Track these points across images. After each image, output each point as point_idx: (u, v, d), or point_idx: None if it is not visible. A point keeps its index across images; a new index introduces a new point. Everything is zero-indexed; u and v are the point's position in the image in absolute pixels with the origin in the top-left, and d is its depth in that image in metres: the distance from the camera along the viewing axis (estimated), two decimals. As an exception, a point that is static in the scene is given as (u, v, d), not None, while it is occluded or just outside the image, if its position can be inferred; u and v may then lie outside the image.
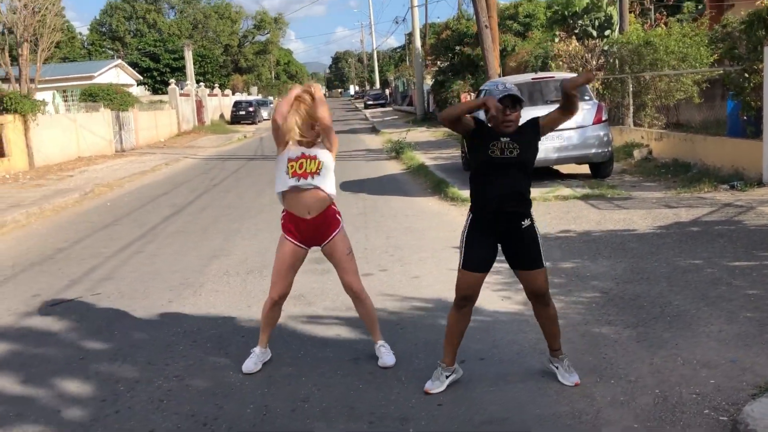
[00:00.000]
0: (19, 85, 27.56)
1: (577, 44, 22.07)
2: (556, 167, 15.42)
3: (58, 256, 10.77)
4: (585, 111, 13.79)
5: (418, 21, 45.19)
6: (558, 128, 13.14)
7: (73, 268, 9.89)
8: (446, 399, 5.04)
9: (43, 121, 24.62)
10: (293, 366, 5.81)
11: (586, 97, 14.23)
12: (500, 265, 7.73)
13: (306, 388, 5.36)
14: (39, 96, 27.37)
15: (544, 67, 23.16)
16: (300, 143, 5.55)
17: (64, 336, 7.00)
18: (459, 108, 4.87)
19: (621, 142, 17.53)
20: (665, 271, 7.76)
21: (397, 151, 23.12)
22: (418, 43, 44.49)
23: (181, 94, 44.86)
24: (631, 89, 18.32)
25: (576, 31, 25.04)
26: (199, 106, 49.33)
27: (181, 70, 58.84)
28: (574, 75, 15.65)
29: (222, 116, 57.79)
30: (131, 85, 49.79)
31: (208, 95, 54.66)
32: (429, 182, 15.97)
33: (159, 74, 67.00)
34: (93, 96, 32.79)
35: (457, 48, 37.78)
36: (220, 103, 59.96)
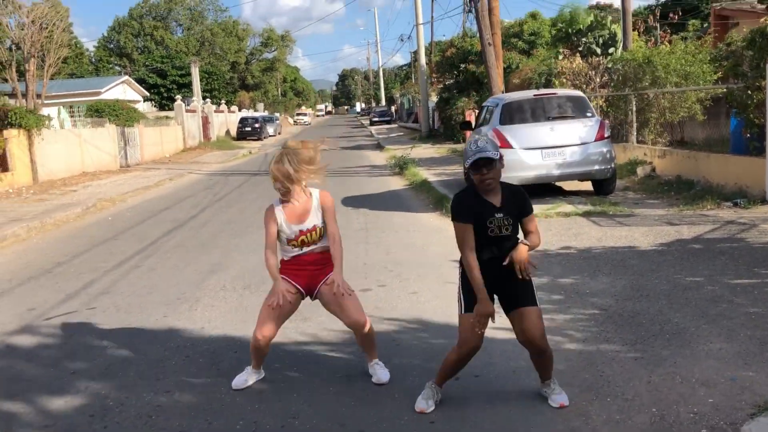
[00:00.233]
0: (26, 100, 27.60)
1: (580, 61, 22.07)
2: (558, 184, 15.35)
3: (56, 270, 10.73)
4: (587, 127, 13.76)
5: (423, 38, 45.30)
6: (560, 144, 13.27)
7: (71, 282, 9.84)
8: (439, 416, 4.95)
9: (47, 136, 24.66)
10: (285, 382, 5.73)
11: (588, 114, 14.18)
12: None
13: (297, 405, 5.28)
14: (45, 111, 27.43)
15: (548, 84, 23.18)
16: (291, 215, 5.48)
17: (56, 350, 6.93)
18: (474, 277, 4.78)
19: (624, 159, 17.46)
20: (665, 288, 7.67)
21: (400, 166, 23.10)
22: (423, 60, 44.58)
23: (187, 110, 44.92)
24: (634, 107, 18.26)
25: (580, 48, 25.07)
26: (205, 122, 49.40)
27: (188, 86, 59.02)
28: (576, 92, 15.61)
29: (228, 132, 57.89)
30: (138, 102, 49.96)
31: (215, 111, 54.76)
32: (431, 198, 15.90)
33: (166, 90, 67.23)
34: (99, 111, 32.88)
35: (462, 66, 37.85)
36: (227, 120, 60.07)
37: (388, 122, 77.42)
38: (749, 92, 12.82)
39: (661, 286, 7.74)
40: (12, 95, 28.50)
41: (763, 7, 15.49)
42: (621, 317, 6.80)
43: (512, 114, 14.26)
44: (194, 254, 11.35)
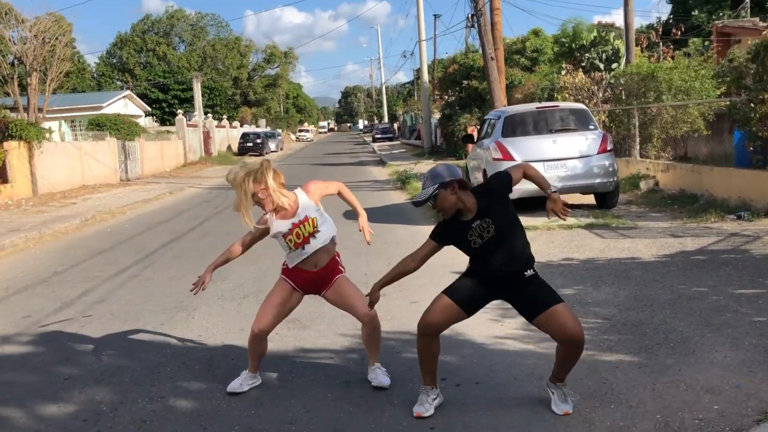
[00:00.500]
0: (27, 114, 27.58)
1: (583, 77, 22.02)
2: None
3: (53, 279, 10.63)
4: (590, 140, 13.69)
5: (425, 54, 45.34)
6: (562, 157, 13.19)
7: (67, 290, 9.75)
8: (438, 422, 4.85)
9: (48, 149, 24.60)
10: (282, 388, 5.63)
11: (591, 127, 14.12)
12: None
13: (294, 411, 5.18)
14: (46, 125, 27.40)
15: (550, 99, 23.10)
16: (277, 213, 5.42)
17: (50, 356, 6.84)
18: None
19: (627, 173, 17.39)
20: (669, 298, 7.57)
21: (402, 181, 23.02)
22: (425, 76, 44.62)
23: (188, 125, 44.89)
24: (637, 121, 18.20)
25: (583, 64, 25.03)
26: (207, 137, 49.38)
27: (190, 101, 59.10)
28: (579, 105, 15.56)
29: (229, 148, 57.88)
30: (139, 117, 49.98)
31: (216, 126, 54.77)
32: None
33: (167, 105, 67.34)
34: (100, 125, 32.85)
35: (465, 82, 37.80)
36: (228, 135, 60.07)
37: (390, 139, 77.43)
38: (752, 105, 12.74)
39: (664, 296, 7.64)
40: (14, 109, 28.46)
41: (766, 24, 15.45)
42: (624, 326, 6.71)
43: (514, 126, 14.19)
44: (192, 265, 11.24)
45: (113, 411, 5.32)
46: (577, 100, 20.91)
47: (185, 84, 65.96)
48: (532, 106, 15.43)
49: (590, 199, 14.72)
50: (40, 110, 28.78)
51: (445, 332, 5.19)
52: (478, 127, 30.19)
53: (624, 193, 15.70)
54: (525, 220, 5.84)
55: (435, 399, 5.03)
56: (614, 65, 24.66)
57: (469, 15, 25.13)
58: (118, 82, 79.52)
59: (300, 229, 5.36)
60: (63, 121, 35.52)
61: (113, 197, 23.05)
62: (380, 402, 5.25)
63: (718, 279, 8.22)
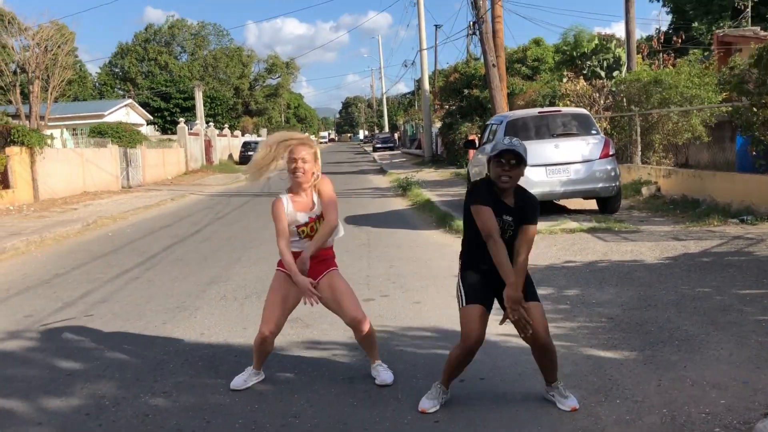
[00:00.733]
0: (29, 121, 27.61)
1: (584, 84, 22.02)
2: (562, 203, 15.25)
3: (54, 281, 10.60)
4: (592, 145, 13.67)
5: (426, 63, 45.38)
6: (564, 162, 13.16)
7: (68, 291, 9.73)
8: (443, 416, 4.82)
9: (49, 155, 24.61)
10: (285, 384, 5.60)
11: (593, 131, 14.10)
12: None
13: (297, 405, 5.15)
14: (48, 133, 27.41)
15: (552, 106, 23.10)
16: (298, 205, 5.40)
17: (52, 354, 6.81)
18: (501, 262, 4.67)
19: (629, 179, 17.36)
20: (673, 298, 7.53)
21: (404, 188, 23.02)
22: (426, 84, 44.67)
23: (190, 133, 44.92)
24: (638, 127, 18.19)
25: (584, 71, 25.04)
26: (208, 146, 49.40)
27: (191, 110, 59.12)
28: (581, 110, 15.54)
29: (231, 156, 57.87)
30: (141, 125, 50.00)
31: (217, 135, 54.79)
32: (434, 216, 15.79)
33: (169, 114, 67.29)
34: (102, 133, 32.86)
35: (466, 91, 37.79)
36: (229, 144, 60.08)
37: (391, 149, 77.41)
38: (755, 110, 12.75)
39: (668, 297, 7.61)
40: (15, 116, 28.50)
41: (767, 33, 15.46)
42: (629, 325, 6.67)
43: (516, 131, 14.15)
44: (194, 267, 11.23)
45: (115, 405, 5.29)
46: (578, 107, 20.93)
47: (187, 93, 66.01)
48: (534, 111, 15.43)
49: (592, 204, 14.70)
50: (42, 118, 28.81)
51: (451, 333, 5.17)
52: (479, 134, 30.24)
53: (626, 198, 15.67)
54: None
55: (444, 398, 5.00)
56: (615, 73, 24.67)
57: (471, 22, 25.08)
58: (120, 92, 79.58)
59: (315, 224, 5.38)
60: (64, 129, 35.53)
61: (115, 203, 23.04)
62: (384, 397, 5.22)
63: (722, 280, 8.18)
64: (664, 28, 44.83)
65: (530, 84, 34.26)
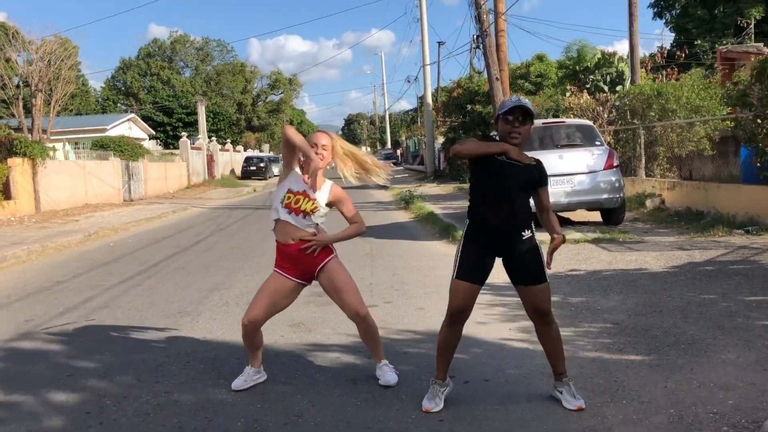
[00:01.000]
0: (31, 134, 27.66)
1: (588, 98, 22.02)
2: (566, 215, 15.20)
3: (55, 288, 10.56)
4: (596, 156, 13.64)
5: (429, 78, 45.40)
6: (568, 172, 13.12)
7: (70, 298, 9.68)
8: (448, 415, 4.77)
9: (51, 166, 24.62)
10: (288, 385, 5.54)
11: (597, 143, 14.07)
12: (509, 299, 7.53)
13: (300, 405, 5.09)
14: (50, 146, 27.45)
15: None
16: (303, 179, 5.38)
17: (53, 355, 6.76)
18: (479, 150, 4.81)
19: (633, 192, 17.32)
20: (679, 304, 7.49)
21: (406, 201, 22.98)
22: (429, 99, 44.73)
23: (192, 148, 44.99)
24: (642, 139, 18.17)
25: (587, 85, 25.04)
26: (210, 161, 49.45)
27: (194, 125, 59.20)
28: (585, 121, 15.53)
29: (233, 171, 57.92)
30: (143, 140, 50.03)
31: (220, 150, 54.83)
32: (437, 228, 15.75)
33: (171, 129, 67.30)
34: (104, 147, 32.89)
35: (469, 106, 37.80)
36: (232, 159, 60.12)
37: (393, 164, 77.45)
38: (759, 121, 12.72)
39: (674, 303, 7.56)
40: (18, 130, 28.54)
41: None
42: (634, 330, 6.62)
43: (520, 142, 14.11)
44: (196, 275, 11.18)
45: (117, 404, 5.23)
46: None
47: (189, 108, 66.10)
48: (538, 122, 15.39)
49: (596, 216, 14.66)
50: (44, 132, 28.87)
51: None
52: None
53: (630, 211, 15.64)
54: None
55: (445, 391, 4.96)
56: (618, 87, 24.66)
57: (474, 36, 25.08)
58: (123, 106, 79.73)
59: (302, 199, 5.32)
60: (66, 143, 35.54)
61: (116, 215, 23.00)
62: (387, 397, 5.17)
63: (728, 287, 8.14)
64: (667, 46, 44.83)
65: (533, 98, 34.27)
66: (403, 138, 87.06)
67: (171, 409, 5.11)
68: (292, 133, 5.21)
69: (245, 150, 71.95)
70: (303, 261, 5.38)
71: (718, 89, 18.34)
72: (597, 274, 9.49)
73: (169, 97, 72.98)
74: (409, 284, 9.58)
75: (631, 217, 15.27)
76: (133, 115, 56.44)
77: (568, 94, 24.42)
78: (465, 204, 4.88)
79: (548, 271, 4.92)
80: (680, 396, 4.85)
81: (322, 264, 5.41)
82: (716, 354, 5.74)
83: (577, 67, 25.78)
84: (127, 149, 33.12)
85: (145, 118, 62.63)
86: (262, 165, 56.92)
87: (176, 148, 47.81)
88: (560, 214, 15.28)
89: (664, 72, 27.89)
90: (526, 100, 4.85)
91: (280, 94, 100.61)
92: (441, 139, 44.72)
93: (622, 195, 13.72)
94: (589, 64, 25.34)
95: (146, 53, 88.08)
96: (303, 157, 5.28)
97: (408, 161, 75.93)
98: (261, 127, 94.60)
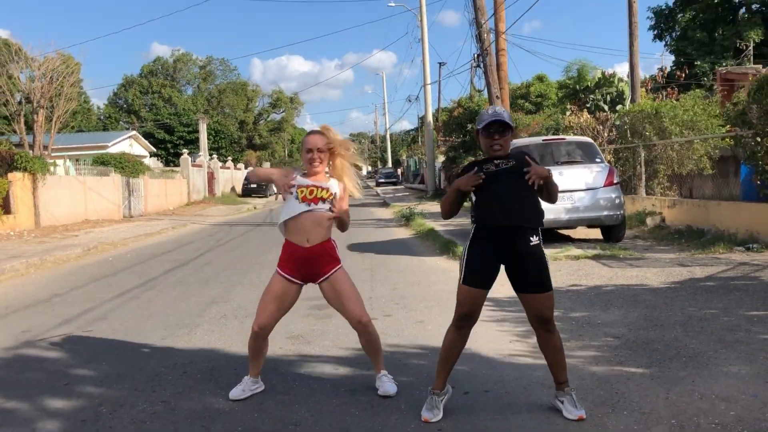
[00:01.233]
0: (32, 151, 27.68)
1: (588, 117, 22.04)
2: (566, 232, 15.17)
3: (53, 300, 10.52)
4: (596, 173, 13.62)
5: (430, 97, 45.47)
6: (569, 189, 13.09)
7: (68, 309, 9.63)
8: (447, 424, 4.72)
9: (52, 182, 24.61)
10: (286, 394, 5.50)
11: (598, 159, 14.05)
12: (510, 313, 7.48)
13: (299, 414, 5.05)
14: (50, 162, 27.48)
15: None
16: (307, 176, 5.45)
17: (50, 364, 6.72)
18: (448, 199, 4.98)
19: (633, 210, 17.30)
20: (680, 319, 7.44)
21: (406, 218, 22.96)
22: (430, 117, 44.78)
23: (193, 165, 45.02)
24: (642, 158, 18.17)
25: (588, 105, 25.07)
26: (211, 178, 49.47)
27: (195, 142, 59.31)
28: (586, 138, 15.55)
29: (233, 189, 57.90)
30: (144, 157, 50.10)
31: (221, 168, 54.87)
32: (437, 244, 15.71)
33: (173, 146, 67.48)
34: (105, 164, 32.92)
35: (469, 126, 37.79)
36: (232, 176, 60.12)
37: (394, 183, 77.54)
38: (758, 139, 12.71)
39: (675, 317, 7.52)
40: (19, 146, 28.59)
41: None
42: (635, 344, 6.58)
43: (520, 159, 14.10)
44: (195, 289, 11.13)
45: (113, 412, 5.19)
46: (582, 138, 20.94)
47: (191, 126, 66.25)
48: (538, 139, 15.41)
49: (596, 233, 14.63)
50: (45, 148, 28.93)
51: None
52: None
53: (630, 229, 15.61)
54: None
55: (443, 399, 4.91)
56: (619, 107, 24.70)
57: (475, 55, 25.17)
58: (124, 124, 79.90)
59: (316, 189, 5.36)
60: (67, 159, 35.61)
61: (116, 231, 22.95)
62: (387, 407, 5.12)
63: (729, 302, 8.10)
64: (667, 69, 44.94)
65: (533, 117, 34.34)
66: (404, 157, 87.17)
67: (168, 417, 5.07)
68: (261, 174, 5.60)
69: (246, 168, 71.95)
70: (311, 266, 5.37)
71: (715, 107, 18.36)
72: (598, 289, 9.45)
73: (171, 114, 73.17)
74: (409, 298, 9.54)
75: (632, 234, 15.23)
76: (134, 132, 56.54)
77: (568, 113, 24.45)
78: (466, 221, 4.91)
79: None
80: (682, 407, 4.81)
81: (329, 274, 5.41)
82: (718, 367, 5.69)
83: (578, 87, 25.83)
84: (127, 166, 33.14)
85: (147, 136, 62.76)
86: (262, 183, 56.83)
87: (177, 165, 47.85)
88: (560, 231, 15.28)
89: (664, 92, 27.91)
90: (501, 110, 4.89)
91: (282, 112, 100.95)
92: (441, 158, 44.74)
93: (622, 212, 13.68)
94: (589, 83, 25.40)
95: (149, 71, 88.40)
96: (308, 164, 5.43)
97: (409, 180, 76.02)
98: (262, 146, 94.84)
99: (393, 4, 55.01)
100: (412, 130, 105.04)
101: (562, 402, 4.83)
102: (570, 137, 16.01)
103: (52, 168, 24.90)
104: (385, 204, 38.91)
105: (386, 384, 5.40)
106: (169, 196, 38.71)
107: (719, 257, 11.39)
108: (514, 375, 5.77)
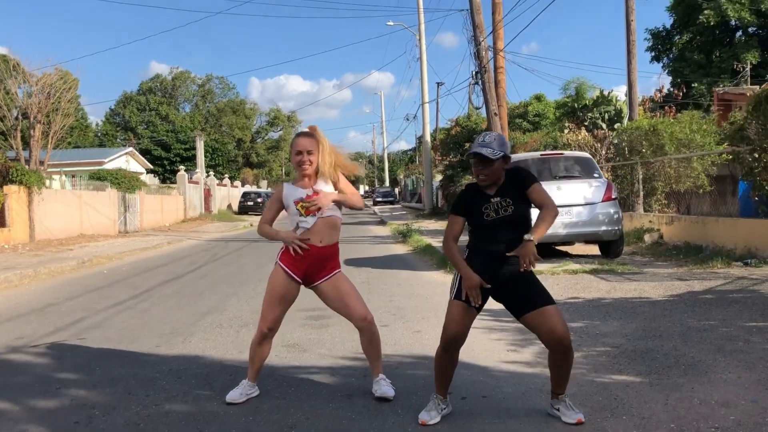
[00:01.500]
0: (29, 166, 27.60)
1: (586, 134, 22.05)
2: (564, 248, 15.12)
3: (47, 309, 10.45)
4: (594, 188, 13.59)
5: (428, 116, 45.56)
6: (566, 204, 13.05)
7: (62, 318, 9.58)
8: (444, 428, 4.67)
9: (48, 195, 24.55)
10: (282, 399, 5.44)
11: (596, 175, 14.03)
12: (507, 323, 7.44)
13: (294, 417, 4.98)
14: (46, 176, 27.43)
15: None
16: (301, 185, 5.41)
17: (43, 369, 6.66)
18: (450, 255, 4.93)
19: (631, 227, 17.28)
20: (678, 329, 7.40)
21: (404, 235, 22.91)
22: (428, 136, 44.84)
23: (189, 182, 44.97)
24: (640, 175, 18.16)
25: (585, 123, 25.09)
26: (207, 195, 49.42)
27: (192, 160, 59.28)
28: (583, 153, 15.53)
29: (230, 206, 57.85)
30: (141, 173, 50.04)
31: (217, 185, 54.83)
32: (434, 259, 15.65)
33: (169, 163, 67.45)
34: (101, 179, 32.85)
35: (467, 144, 37.87)
36: (229, 194, 60.08)
37: (391, 202, 77.47)
38: (756, 155, 12.70)
39: (674, 328, 7.47)
40: (15, 161, 28.50)
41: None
42: (634, 353, 6.53)
43: (518, 173, 14.07)
44: (190, 299, 11.07)
45: (105, 415, 5.13)
46: (580, 154, 20.95)
47: (188, 143, 66.29)
48: (536, 154, 15.38)
49: (594, 249, 14.59)
50: (42, 163, 28.81)
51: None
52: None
53: (628, 245, 15.57)
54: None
55: (444, 409, 4.85)
56: (617, 125, 24.71)
57: (474, 72, 25.23)
58: (121, 141, 79.92)
59: (312, 201, 5.30)
60: (63, 175, 35.53)
61: (111, 246, 22.86)
62: (383, 411, 5.06)
63: (727, 314, 8.05)
64: (665, 90, 45.08)
65: (531, 135, 34.38)
66: (402, 176, 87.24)
67: (162, 420, 5.01)
68: (266, 233, 5.51)
69: (243, 186, 71.98)
70: (317, 265, 5.35)
71: (712, 125, 18.40)
72: (596, 302, 9.40)
73: (168, 131, 73.21)
74: (406, 309, 9.49)
75: (630, 251, 15.19)
76: (131, 148, 56.50)
77: (566, 130, 24.46)
78: (463, 238, 4.81)
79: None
80: (681, 412, 4.75)
81: (330, 275, 5.39)
82: (717, 374, 5.64)
83: (576, 105, 25.87)
84: (124, 182, 33.08)
85: (144, 152, 62.78)
86: (259, 200, 56.77)
87: (173, 182, 47.80)
88: (558, 247, 15.23)
89: (661, 111, 27.98)
90: (490, 139, 4.78)
91: (279, 131, 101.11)
92: (439, 177, 44.79)
93: (620, 227, 13.63)
94: (587, 102, 25.44)
95: (147, 88, 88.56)
96: (297, 166, 5.39)
97: (406, 199, 76.05)
98: (259, 164, 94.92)
99: (392, 23, 55.21)
100: (410, 150, 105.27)
101: (558, 409, 4.77)
102: (568, 152, 16.00)
103: (48, 182, 24.81)
104: (382, 222, 38.85)
105: (384, 387, 5.34)
106: (165, 212, 38.64)
107: (717, 272, 11.35)
108: (511, 381, 5.71)
